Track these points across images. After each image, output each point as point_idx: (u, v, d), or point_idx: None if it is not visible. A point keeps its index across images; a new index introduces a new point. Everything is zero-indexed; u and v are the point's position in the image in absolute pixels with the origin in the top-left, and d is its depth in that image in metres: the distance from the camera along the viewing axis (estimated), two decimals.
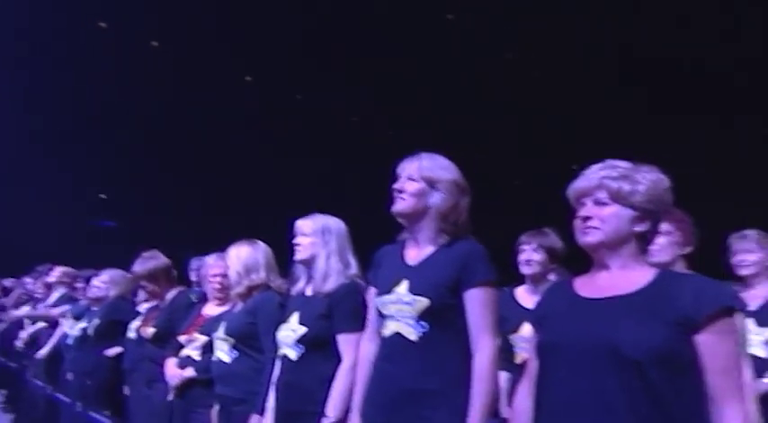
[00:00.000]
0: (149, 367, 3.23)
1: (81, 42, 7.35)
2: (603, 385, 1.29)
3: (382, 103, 8.24)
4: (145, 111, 8.11)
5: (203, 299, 3.10)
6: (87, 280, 4.38)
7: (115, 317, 3.87)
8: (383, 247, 1.96)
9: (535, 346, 1.48)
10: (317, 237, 2.21)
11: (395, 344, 1.75)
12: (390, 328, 1.78)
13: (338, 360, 2.10)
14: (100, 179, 9.36)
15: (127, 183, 9.22)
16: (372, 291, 1.93)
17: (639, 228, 1.41)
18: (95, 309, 4.09)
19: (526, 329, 2.51)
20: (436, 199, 1.80)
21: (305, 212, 2.34)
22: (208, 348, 2.82)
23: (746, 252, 2.66)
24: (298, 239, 2.25)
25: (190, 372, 2.83)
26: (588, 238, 1.43)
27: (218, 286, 2.95)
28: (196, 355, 2.88)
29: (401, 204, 1.82)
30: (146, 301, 4.12)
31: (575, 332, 1.37)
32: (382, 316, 1.81)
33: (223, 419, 2.53)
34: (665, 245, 2.10)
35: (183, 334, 2.96)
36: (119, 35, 7.38)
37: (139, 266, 3.35)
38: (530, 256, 2.61)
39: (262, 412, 2.27)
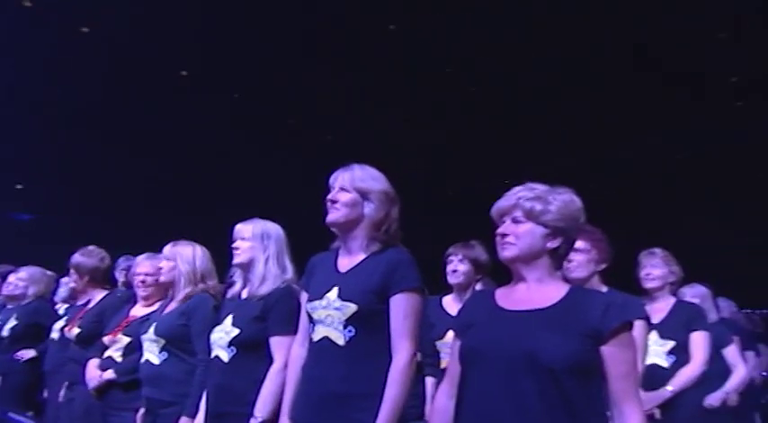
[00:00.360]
0: (72, 369, 3.17)
1: (2, 24, 7.03)
2: (521, 390, 1.44)
3: (320, 105, 8.31)
4: (70, 99, 7.83)
5: (133, 300, 3.10)
6: (3, 277, 4.24)
7: (35, 320, 3.78)
8: (317, 255, 2.04)
9: (458, 351, 1.62)
10: (256, 241, 2.29)
11: (323, 348, 1.84)
12: (319, 332, 1.86)
13: (270, 362, 2.17)
14: (17, 168, 8.94)
15: (47, 173, 8.85)
16: (305, 296, 2.01)
17: (552, 244, 1.58)
18: (11, 307, 3.97)
19: (451, 336, 2.68)
20: (369, 209, 1.90)
21: (236, 213, 2.42)
22: (130, 350, 2.84)
23: (652, 267, 2.95)
24: (237, 243, 2.31)
25: (109, 374, 2.82)
26: (505, 252, 1.60)
27: (140, 285, 2.97)
28: (118, 356, 2.89)
29: (335, 214, 1.91)
30: (65, 301, 4.05)
31: (496, 341, 1.52)
32: (312, 321, 1.89)
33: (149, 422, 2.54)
34: (583, 262, 2.34)
35: (108, 335, 2.96)
36: (45, 18, 7.11)
37: (78, 257, 3.32)
38: (456, 266, 2.80)
39: (194, 415, 2.31)
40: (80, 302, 3.42)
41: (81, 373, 3.05)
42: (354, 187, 1.91)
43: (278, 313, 2.18)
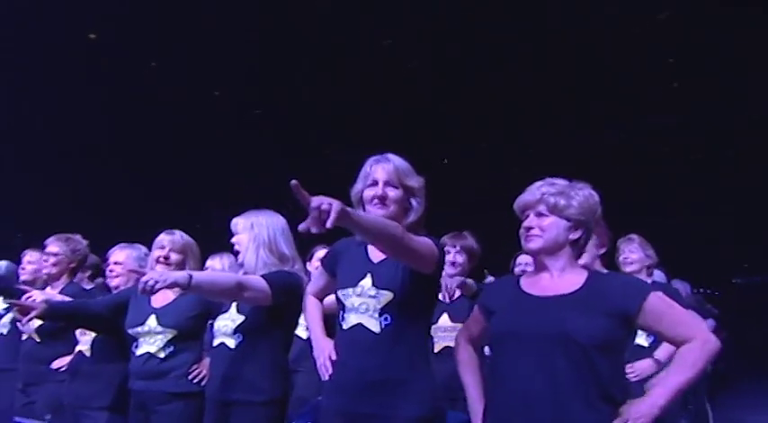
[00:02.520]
0: (28, 369, 3.14)
1: None
2: (555, 366, 1.71)
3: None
4: None
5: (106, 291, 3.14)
6: None
7: None
8: (344, 239, 2.15)
9: (490, 334, 1.88)
10: (247, 231, 2.46)
11: (358, 336, 1.96)
12: (352, 320, 1.98)
13: (277, 348, 2.36)
14: None
15: None
16: (323, 275, 2.20)
17: (573, 235, 1.88)
18: None
19: (445, 320, 2.98)
20: (415, 205, 2.04)
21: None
22: (100, 344, 2.88)
23: (630, 252, 3.35)
24: (234, 238, 2.48)
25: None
26: (531, 244, 1.88)
27: (109, 274, 3.03)
28: (87, 350, 2.93)
29: (385, 211, 2.00)
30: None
31: (529, 323, 1.78)
32: (344, 308, 2.02)
33: (141, 419, 2.59)
34: (589, 247, 2.68)
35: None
36: None
37: (63, 245, 3.27)
38: (455, 258, 3.07)
39: None
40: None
41: (41, 372, 3.06)
42: (401, 183, 2.02)
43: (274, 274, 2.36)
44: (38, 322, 3.12)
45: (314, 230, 1.56)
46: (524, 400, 1.73)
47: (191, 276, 2.04)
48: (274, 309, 2.32)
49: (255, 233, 2.45)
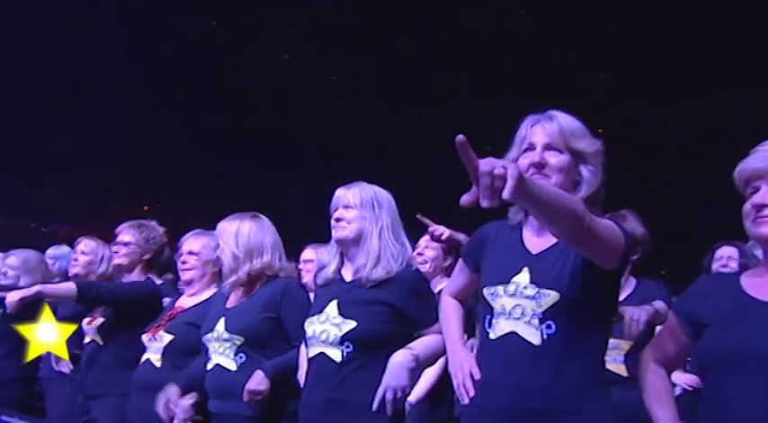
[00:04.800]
0: (91, 377, 2.87)
1: None
2: None
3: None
4: None
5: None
6: None
7: None
8: (491, 224, 1.82)
9: (702, 355, 1.44)
10: (366, 210, 2.06)
11: (511, 349, 1.63)
12: (502, 327, 1.64)
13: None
14: None
15: None
16: (464, 269, 1.86)
17: None
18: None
19: None
20: (587, 175, 1.66)
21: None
22: (173, 352, 2.60)
23: None
24: (339, 213, 2.08)
25: (191, 398, 2.36)
26: (765, 229, 1.39)
27: (180, 266, 2.73)
28: (157, 359, 2.64)
29: (546, 183, 1.61)
30: None
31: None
32: (491, 312, 1.68)
33: None
34: None
35: (148, 331, 2.69)
36: None
37: (136, 232, 2.99)
38: None
39: None
40: None
41: (106, 382, 2.80)
42: (567, 146, 1.65)
43: (420, 298, 2.00)
44: (100, 320, 2.91)
45: (485, 203, 1.18)
46: None
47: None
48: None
49: (378, 215, 2.06)
